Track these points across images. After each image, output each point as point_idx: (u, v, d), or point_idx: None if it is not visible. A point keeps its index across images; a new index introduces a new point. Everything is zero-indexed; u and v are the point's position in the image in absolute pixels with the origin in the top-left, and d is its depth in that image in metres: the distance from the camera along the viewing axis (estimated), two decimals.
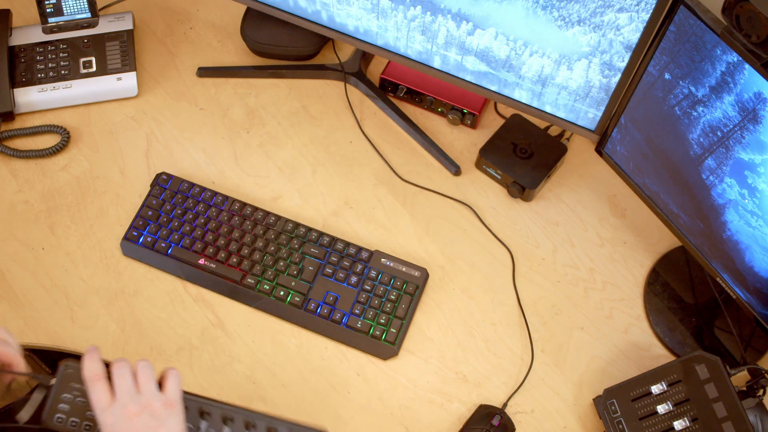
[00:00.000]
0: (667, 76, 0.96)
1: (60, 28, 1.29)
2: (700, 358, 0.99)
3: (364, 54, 1.34)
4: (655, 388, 1.00)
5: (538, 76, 1.09)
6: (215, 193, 1.19)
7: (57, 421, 0.82)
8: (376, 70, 1.34)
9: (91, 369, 0.81)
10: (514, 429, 1.04)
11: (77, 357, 0.84)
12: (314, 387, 1.07)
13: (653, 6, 0.93)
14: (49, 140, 1.25)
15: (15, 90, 1.25)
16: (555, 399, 1.08)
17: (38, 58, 1.27)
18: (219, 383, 1.06)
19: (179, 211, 1.17)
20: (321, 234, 1.16)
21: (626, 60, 1.00)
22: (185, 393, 0.85)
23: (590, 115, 1.10)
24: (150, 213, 1.17)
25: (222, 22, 1.39)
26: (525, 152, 1.22)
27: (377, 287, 1.12)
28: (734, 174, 0.94)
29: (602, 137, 1.13)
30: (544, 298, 1.15)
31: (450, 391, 1.07)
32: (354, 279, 1.12)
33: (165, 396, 0.82)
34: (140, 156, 1.24)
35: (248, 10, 1.33)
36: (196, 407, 0.85)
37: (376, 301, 1.11)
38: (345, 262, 1.14)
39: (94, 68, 1.28)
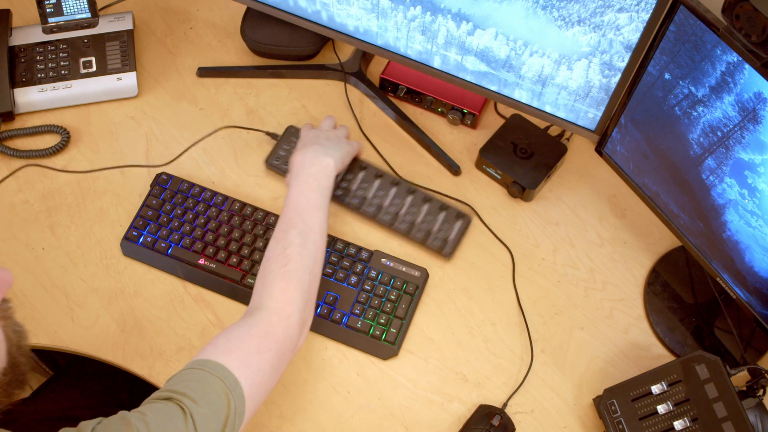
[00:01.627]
0: (667, 76, 0.96)
1: (60, 28, 1.29)
2: (700, 358, 0.99)
3: (364, 54, 1.34)
4: (655, 388, 1.00)
5: (538, 76, 1.09)
6: (215, 193, 1.19)
7: (274, 162, 1.21)
8: (376, 70, 1.34)
9: (308, 124, 1.23)
10: (514, 429, 1.04)
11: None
12: (314, 387, 1.07)
13: (653, 6, 0.93)
14: (49, 140, 1.25)
15: (15, 90, 1.25)
16: (555, 399, 1.08)
17: (38, 58, 1.27)
18: None
19: (179, 211, 1.17)
20: None
21: (626, 60, 1.00)
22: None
23: (590, 115, 1.10)
24: (150, 213, 1.17)
25: (222, 22, 1.39)
26: (525, 152, 1.22)
27: (377, 287, 1.12)
28: (734, 174, 0.94)
29: (602, 137, 1.13)
30: (544, 298, 1.15)
31: (450, 391, 1.07)
32: (354, 279, 1.12)
33: (348, 140, 1.19)
34: (140, 156, 1.24)
35: (248, 10, 1.33)
36: (359, 165, 1.21)
37: (376, 301, 1.11)
38: (345, 262, 1.14)
39: (94, 68, 1.28)
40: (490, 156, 1.22)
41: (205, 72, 1.32)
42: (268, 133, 1.25)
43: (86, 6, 1.30)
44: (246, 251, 1.14)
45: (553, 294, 1.15)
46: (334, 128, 1.22)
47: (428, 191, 1.20)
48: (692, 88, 0.94)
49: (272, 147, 1.23)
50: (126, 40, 1.30)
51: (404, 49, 1.18)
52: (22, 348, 0.74)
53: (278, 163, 1.21)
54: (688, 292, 1.16)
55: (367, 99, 1.32)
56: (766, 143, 0.88)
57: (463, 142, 1.28)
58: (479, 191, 1.23)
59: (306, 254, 1.00)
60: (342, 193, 1.19)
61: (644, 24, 0.95)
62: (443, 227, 1.16)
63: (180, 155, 1.24)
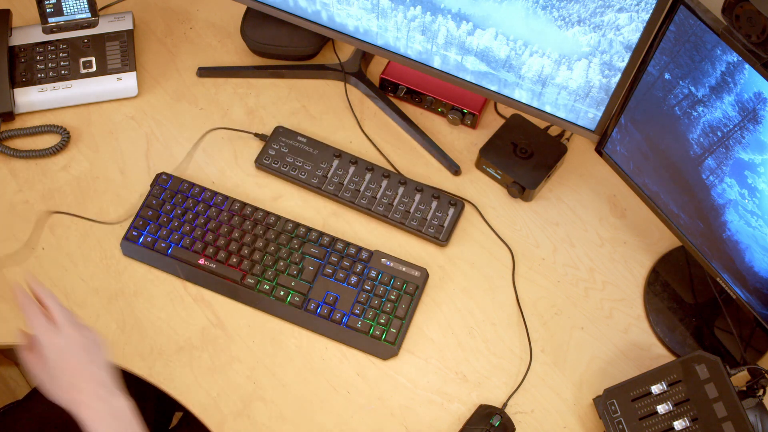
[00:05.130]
0: (667, 76, 0.96)
1: (60, 28, 1.29)
2: (700, 358, 0.99)
3: (364, 54, 1.34)
4: (655, 388, 1.00)
5: (538, 76, 1.09)
6: (215, 193, 1.19)
7: (264, 161, 1.21)
8: (376, 70, 1.34)
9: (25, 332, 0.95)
10: (514, 429, 1.04)
11: None
12: (314, 387, 1.07)
13: (653, 6, 0.93)
14: (49, 140, 1.25)
15: (15, 90, 1.25)
16: (555, 399, 1.08)
17: (38, 58, 1.27)
18: (219, 383, 1.06)
19: (179, 211, 1.17)
20: (321, 234, 1.16)
21: (626, 60, 1.00)
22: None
23: (590, 115, 1.11)
24: (150, 213, 1.17)
25: (222, 22, 1.39)
26: (525, 152, 1.22)
27: (377, 287, 1.12)
28: (734, 174, 0.94)
29: (602, 137, 1.13)
30: (544, 298, 1.15)
31: (450, 391, 1.07)
32: (354, 279, 1.12)
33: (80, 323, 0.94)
34: (140, 156, 1.24)
35: (248, 10, 1.33)
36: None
37: (376, 301, 1.11)
38: (345, 262, 1.14)
39: (94, 68, 1.28)
40: (490, 156, 1.22)
41: (205, 72, 1.32)
42: (256, 135, 1.25)
43: (86, 6, 1.30)
44: (246, 251, 1.14)
45: (553, 294, 1.15)
46: (50, 319, 0.92)
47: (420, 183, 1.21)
48: (692, 88, 0.94)
49: (261, 147, 1.24)
50: (126, 40, 1.30)
51: (404, 49, 1.18)
52: None
53: (268, 162, 1.22)
54: (688, 292, 1.16)
55: (367, 99, 1.32)
56: (766, 143, 0.88)
57: (463, 142, 1.28)
58: (479, 191, 1.23)
59: None
60: (335, 188, 1.19)
61: (644, 24, 0.95)
62: (437, 215, 1.18)
63: (183, 161, 1.24)
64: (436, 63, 1.17)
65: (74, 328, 0.93)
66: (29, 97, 1.25)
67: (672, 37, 0.93)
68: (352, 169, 1.21)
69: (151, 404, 1.26)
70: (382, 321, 1.10)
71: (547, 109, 1.13)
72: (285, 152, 1.23)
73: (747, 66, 0.86)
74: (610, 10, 0.96)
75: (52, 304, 0.93)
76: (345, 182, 1.20)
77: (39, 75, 1.26)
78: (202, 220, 1.16)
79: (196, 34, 1.37)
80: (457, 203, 1.19)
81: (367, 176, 1.21)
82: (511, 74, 1.11)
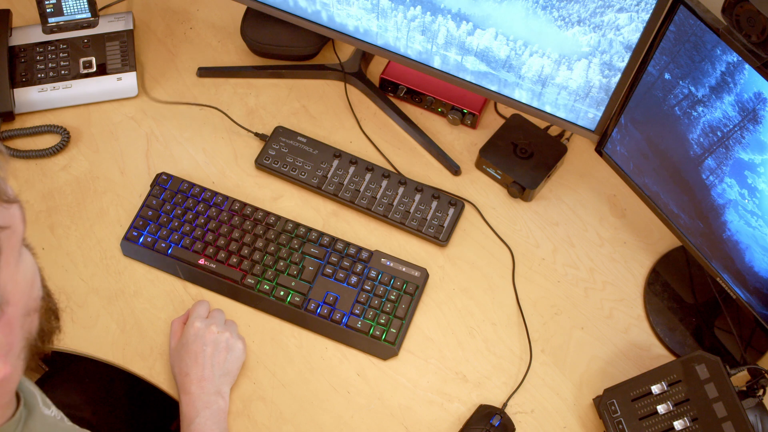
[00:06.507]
0: (667, 76, 0.96)
1: (60, 28, 1.29)
2: (700, 358, 0.99)
3: (364, 54, 1.34)
4: (655, 388, 1.00)
5: (538, 76, 1.09)
6: (215, 193, 1.19)
7: (264, 161, 1.21)
8: (376, 70, 1.34)
9: (181, 318, 1.08)
10: (514, 429, 1.04)
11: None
12: (314, 387, 1.07)
13: (653, 6, 0.93)
14: (49, 140, 1.25)
15: (15, 90, 1.25)
16: (555, 399, 1.08)
17: (38, 58, 1.27)
18: None
19: (179, 211, 1.17)
20: (321, 234, 1.16)
21: (626, 60, 1.00)
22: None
23: (590, 115, 1.11)
24: (150, 213, 1.17)
25: (222, 22, 1.39)
26: (525, 152, 1.22)
27: (377, 287, 1.12)
28: (734, 174, 0.94)
29: (602, 137, 1.13)
30: (544, 298, 1.15)
31: (450, 391, 1.07)
32: (354, 279, 1.12)
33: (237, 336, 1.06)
34: (140, 156, 1.24)
35: (248, 10, 1.33)
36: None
37: (376, 301, 1.11)
38: (345, 262, 1.14)
39: (94, 68, 1.28)
40: (490, 156, 1.22)
41: (205, 72, 1.32)
42: (256, 135, 1.25)
43: (86, 6, 1.30)
44: (246, 251, 1.14)
45: (553, 294, 1.15)
46: (208, 317, 1.06)
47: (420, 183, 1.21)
48: (692, 88, 0.94)
49: (261, 147, 1.24)
50: (126, 40, 1.30)
51: (404, 49, 1.18)
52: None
53: (268, 162, 1.22)
54: (688, 292, 1.16)
55: (367, 99, 1.32)
56: (766, 143, 0.88)
57: (463, 142, 1.28)
58: (479, 191, 1.23)
59: None
60: (335, 188, 1.19)
61: (644, 24, 0.95)
62: (437, 215, 1.18)
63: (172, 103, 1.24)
64: (436, 63, 1.17)
65: (220, 328, 1.03)
66: (29, 97, 1.25)
67: (672, 37, 0.93)
68: (352, 169, 1.21)
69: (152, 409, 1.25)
70: (382, 321, 1.10)
71: (547, 109, 1.13)
72: (285, 152, 1.23)
73: (747, 66, 0.86)
74: (610, 10, 0.96)
75: (216, 309, 1.07)
76: (345, 182, 1.20)
77: (39, 75, 1.26)
78: (202, 220, 1.16)
79: (196, 34, 1.37)
80: (457, 203, 1.19)
81: (367, 176, 1.21)
82: (511, 74, 1.11)
